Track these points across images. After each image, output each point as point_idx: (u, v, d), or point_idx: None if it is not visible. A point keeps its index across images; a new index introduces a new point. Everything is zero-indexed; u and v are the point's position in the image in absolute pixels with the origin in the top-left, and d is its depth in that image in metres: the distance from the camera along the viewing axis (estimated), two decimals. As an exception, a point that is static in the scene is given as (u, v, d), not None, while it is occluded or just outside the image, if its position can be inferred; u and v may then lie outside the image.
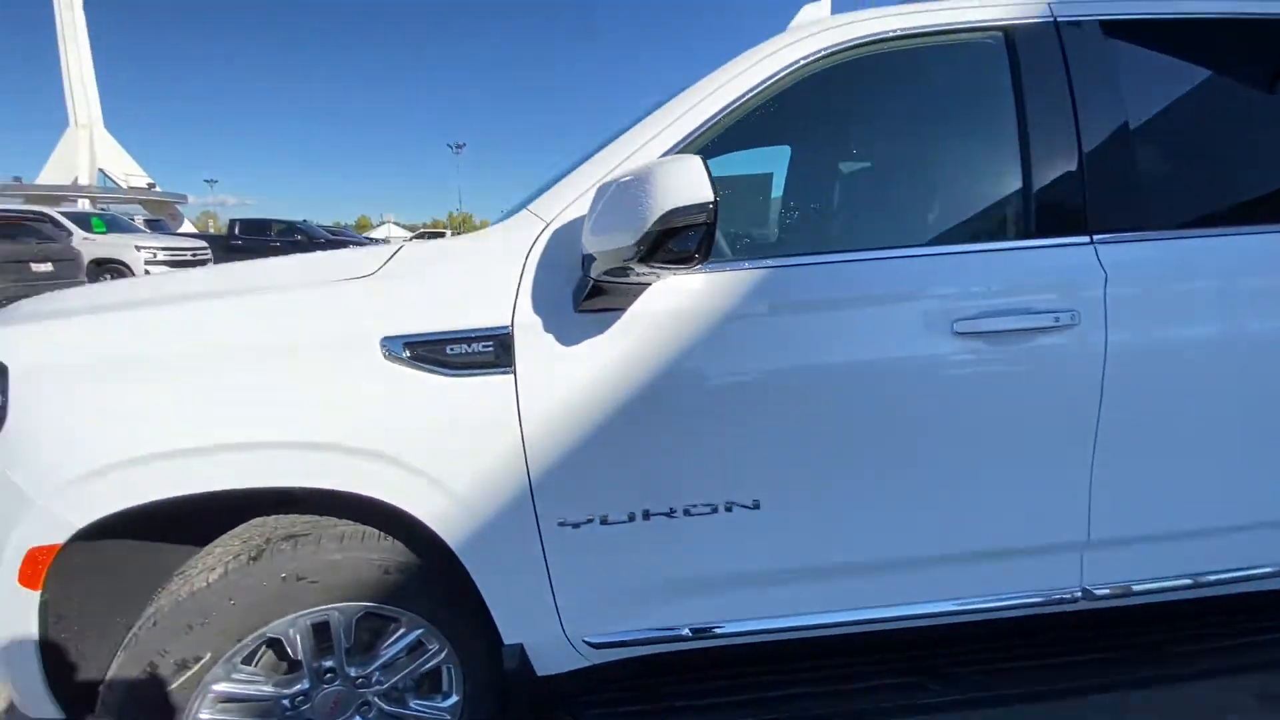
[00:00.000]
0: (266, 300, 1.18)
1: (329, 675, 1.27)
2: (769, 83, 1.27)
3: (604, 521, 1.20)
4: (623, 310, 1.16)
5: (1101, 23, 1.32)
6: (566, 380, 1.15)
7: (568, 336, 1.16)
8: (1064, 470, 1.25)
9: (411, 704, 1.35)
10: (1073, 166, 1.27)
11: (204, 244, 11.63)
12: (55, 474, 1.10)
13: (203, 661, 1.15)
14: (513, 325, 1.15)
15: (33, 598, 1.15)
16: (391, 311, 1.16)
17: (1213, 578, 1.37)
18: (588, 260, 1.12)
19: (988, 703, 1.35)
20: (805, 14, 1.50)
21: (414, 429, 1.14)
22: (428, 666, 1.32)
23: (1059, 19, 1.33)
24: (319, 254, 1.44)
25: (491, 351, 1.15)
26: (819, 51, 1.28)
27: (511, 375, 1.15)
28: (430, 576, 1.26)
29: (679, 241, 0.93)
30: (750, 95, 1.26)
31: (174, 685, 1.14)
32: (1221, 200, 1.34)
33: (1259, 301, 1.25)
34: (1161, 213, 1.27)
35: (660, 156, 1.22)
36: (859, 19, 1.32)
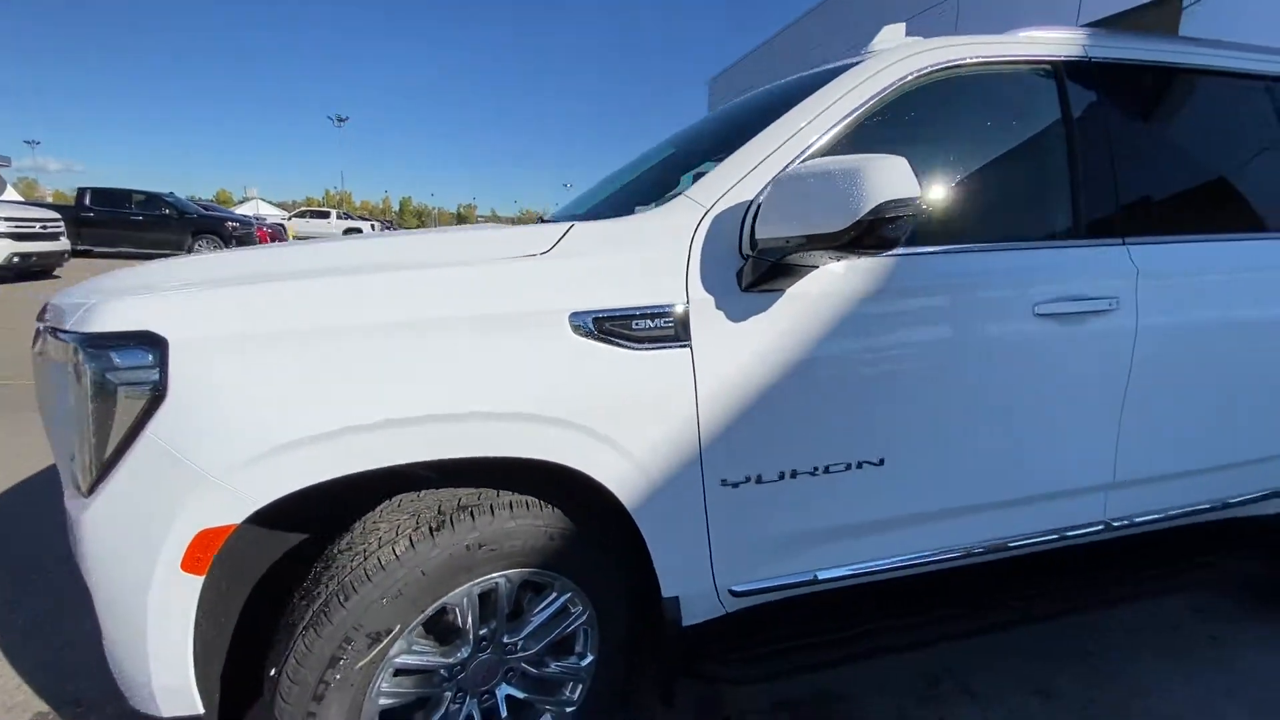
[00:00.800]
0: (451, 274, 1.19)
1: (483, 643, 1.31)
2: (881, 95, 1.45)
3: (758, 480, 1.33)
4: (782, 291, 1.29)
5: (1127, 63, 1.63)
6: (734, 354, 1.27)
7: (735, 314, 1.28)
8: (1103, 425, 1.56)
9: (552, 665, 1.40)
10: (1107, 179, 1.57)
11: (56, 215, 10.05)
12: (237, 450, 1.05)
13: (392, 634, 1.15)
14: (688, 303, 1.25)
15: (194, 584, 1.10)
16: (577, 288, 1.21)
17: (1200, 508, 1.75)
18: (755, 244, 1.24)
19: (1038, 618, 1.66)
20: (886, 33, 1.70)
21: (601, 399, 1.20)
22: (571, 629, 1.39)
23: (1093, 58, 1.63)
24: (463, 232, 1.43)
25: (671, 327, 1.24)
26: (920, 70, 1.48)
27: (688, 349, 1.25)
28: (584, 541, 1.32)
29: (890, 229, 1.09)
30: (866, 105, 1.43)
31: (365, 660, 1.13)
32: (1223, 212, 1.72)
33: (1252, 294, 1.63)
34: (1176, 220, 1.61)
35: (794, 162, 1.36)
36: (944, 44, 1.53)
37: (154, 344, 1.05)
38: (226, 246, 15.06)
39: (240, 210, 35.10)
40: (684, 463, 1.27)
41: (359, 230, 29.31)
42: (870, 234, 1.09)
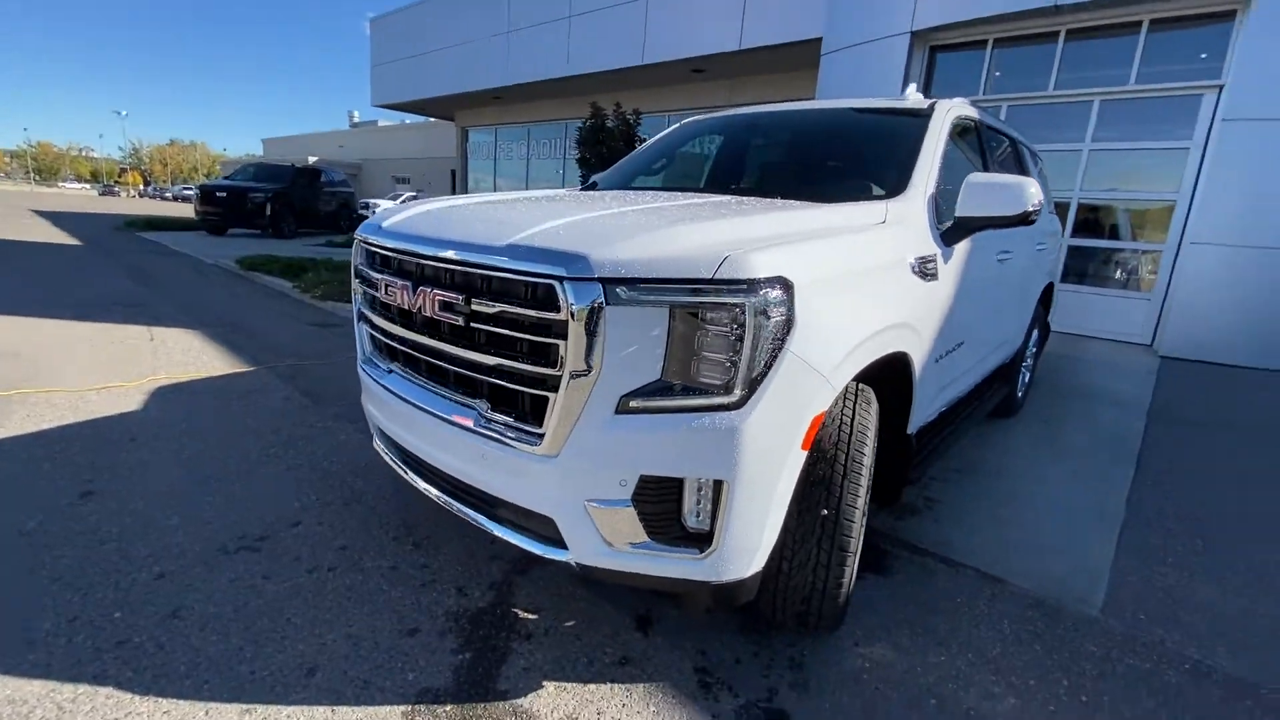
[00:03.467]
0: (866, 237, 1.82)
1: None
2: (947, 132, 2.51)
3: (940, 358, 2.31)
4: (954, 247, 2.27)
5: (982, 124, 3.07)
6: (944, 282, 2.20)
7: (944, 259, 2.20)
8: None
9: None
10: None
11: None
12: (833, 355, 1.55)
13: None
14: (938, 253, 2.13)
15: (802, 458, 1.55)
16: (906, 244, 1.97)
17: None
18: (954, 218, 2.19)
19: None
20: (910, 89, 2.77)
21: (918, 310, 2.00)
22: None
23: (973, 119, 3.01)
24: (823, 208, 1.93)
25: (934, 267, 2.10)
26: (956, 119, 2.60)
27: (937, 280, 2.13)
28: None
29: (1032, 216, 2.15)
30: (945, 137, 2.48)
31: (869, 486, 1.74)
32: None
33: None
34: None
35: (937, 169, 2.33)
36: (957, 104, 2.69)
37: (786, 285, 1.45)
38: None
39: None
40: (933, 351, 2.16)
41: None
42: (1026, 218, 2.16)
